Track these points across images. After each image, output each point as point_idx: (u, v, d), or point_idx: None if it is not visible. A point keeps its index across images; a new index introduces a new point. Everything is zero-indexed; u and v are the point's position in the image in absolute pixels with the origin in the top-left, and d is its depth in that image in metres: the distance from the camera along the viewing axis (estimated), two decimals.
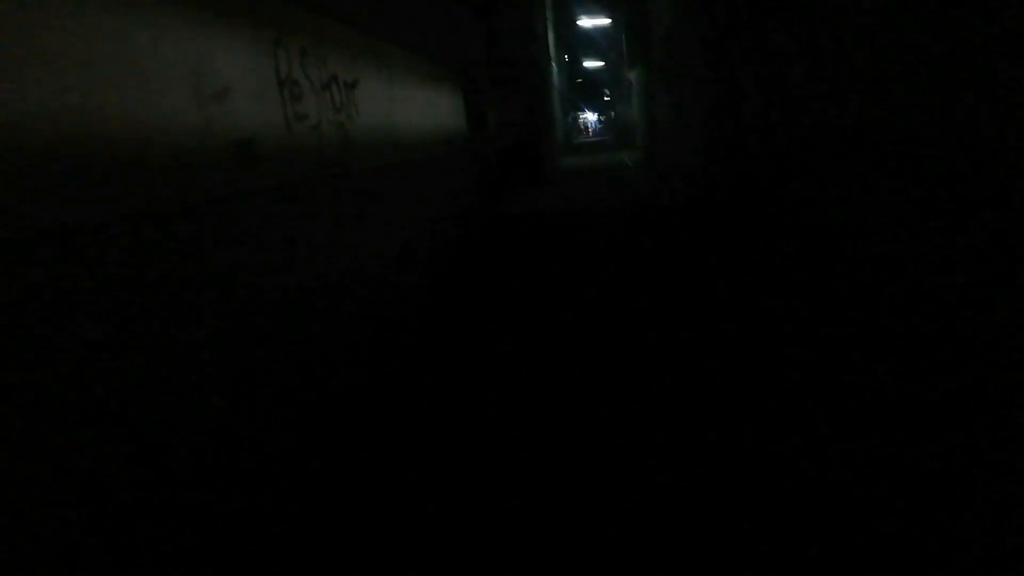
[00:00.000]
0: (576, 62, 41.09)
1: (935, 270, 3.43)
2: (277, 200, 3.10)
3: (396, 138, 5.12)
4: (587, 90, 48.25)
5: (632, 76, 24.31)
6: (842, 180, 4.68)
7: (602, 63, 37.92)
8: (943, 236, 3.29)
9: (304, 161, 3.47)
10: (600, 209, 11.32)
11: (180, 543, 2.05)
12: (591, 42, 35.52)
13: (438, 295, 6.12)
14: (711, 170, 9.85)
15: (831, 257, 5.01)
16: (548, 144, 19.02)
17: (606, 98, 48.77)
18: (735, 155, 8.17)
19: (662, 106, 15.39)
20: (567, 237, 8.84)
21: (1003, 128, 2.69)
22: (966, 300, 3.20)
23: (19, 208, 1.62)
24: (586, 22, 25.99)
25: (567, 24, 31.28)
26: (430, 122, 6.47)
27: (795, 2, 5.35)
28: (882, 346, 3.83)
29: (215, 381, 2.38)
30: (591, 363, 4.15)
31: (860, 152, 4.33)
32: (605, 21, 25.79)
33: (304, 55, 3.66)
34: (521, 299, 5.81)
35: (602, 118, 51.55)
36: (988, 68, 2.78)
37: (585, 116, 51.45)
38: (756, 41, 6.76)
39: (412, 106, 5.72)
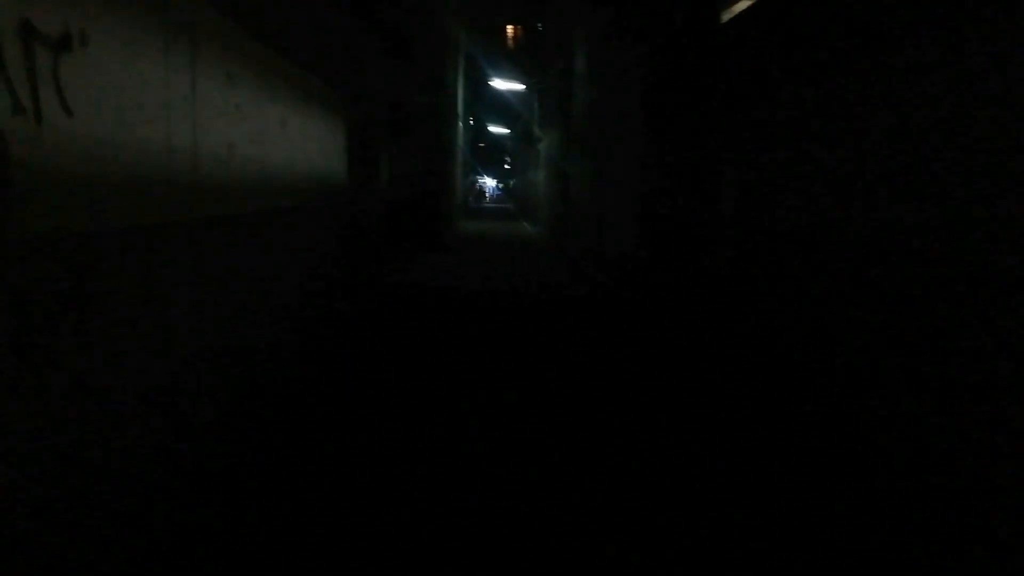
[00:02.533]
0: (480, 124, 40.09)
1: None
2: None
3: (195, 176, 2.84)
4: (489, 154, 47.32)
5: (542, 146, 23.15)
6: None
7: (507, 129, 37.05)
8: None
9: None
10: (508, 294, 9.33)
11: None
12: (498, 106, 34.58)
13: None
14: (650, 266, 8.16)
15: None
16: (447, 205, 17.10)
17: (507, 165, 48.05)
18: (699, 255, 6.46)
19: (579, 183, 13.90)
20: (469, 332, 6.73)
21: None
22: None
23: None
24: (499, 84, 24.74)
25: (476, 83, 30.13)
26: (287, 158, 4.24)
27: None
28: None
29: None
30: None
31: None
32: (518, 86, 24.66)
33: None
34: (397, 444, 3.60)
35: (501, 185, 50.63)
36: None
37: (484, 180, 50.33)
38: (747, 130, 5.12)
39: (248, 126, 3.48)
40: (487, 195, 50.38)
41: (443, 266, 12.09)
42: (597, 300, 8.96)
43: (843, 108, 3.78)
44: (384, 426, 4.04)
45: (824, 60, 4.01)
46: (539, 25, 27.12)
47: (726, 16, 6.09)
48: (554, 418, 4.32)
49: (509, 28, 33.30)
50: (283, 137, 4.12)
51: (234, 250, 3.26)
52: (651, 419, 4.36)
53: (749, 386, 4.98)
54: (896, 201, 3.20)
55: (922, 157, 3.00)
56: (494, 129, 39.30)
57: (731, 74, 5.71)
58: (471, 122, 36.69)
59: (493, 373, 5.34)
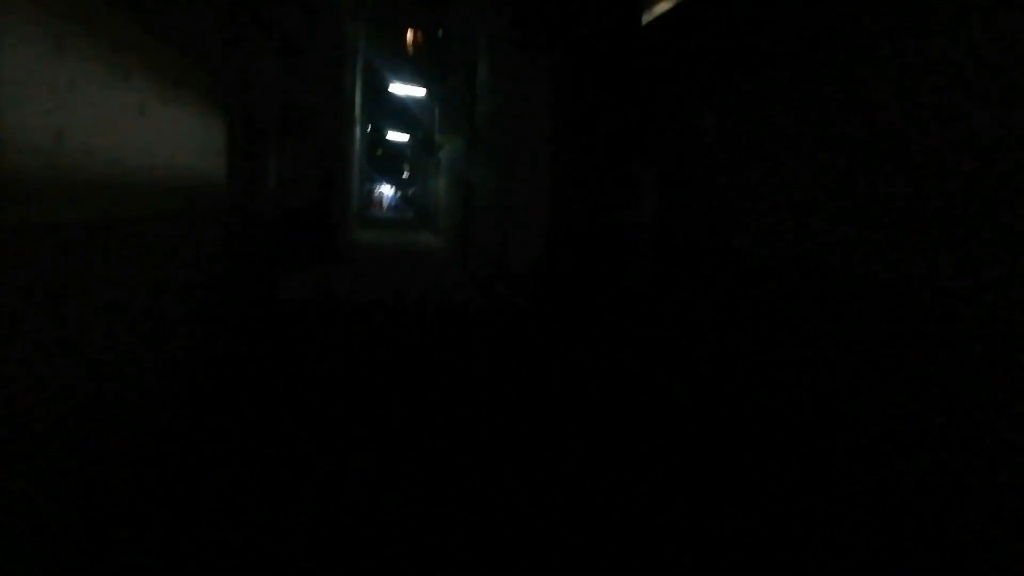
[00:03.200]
0: (379, 130, 39.00)
1: None
2: None
3: None
4: (388, 162, 46.13)
5: (443, 154, 22.58)
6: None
7: (406, 136, 36.19)
8: None
9: None
10: (408, 312, 8.70)
11: None
12: (397, 112, 33.74)
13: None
14: (559, 281, 7.77)
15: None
16: (343, 213, 16.18)
17: (406, 173, 47.06)
18: (614, 270, 6.10)
19: (483, 193, 13.44)
20: (366, 355, 6.06)
21: None
22: None
23: None
24: (398, 89, 23.97)
25: (374, 89, 29.21)
26: (146, 154, 3.48)
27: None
28: None
29: None
30: None
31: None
32: (418, 91, 23.99)
33: None
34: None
35: (400, 193, 49.48)
36: None
37: (382, 189, 48.98)
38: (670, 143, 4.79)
39: (88, 110, 2.72)
40: (385, 204, 49.11)
41: (338, 280, 11.27)
42: (504, 320, 8.49)
43: (772, 115, 3.48)
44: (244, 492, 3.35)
45: (752, 62, 3.71)
46: (439, 32, 26.58)
47: (646, 18, 5.81)
48: (453, 461, 3.76)
49: (408, 33, 32.58)
50: (142, 128, 3.36)
51: (62, 272, 2.51)
52: (556, 458, 3.90)
53: (665, 415, 4.63)
54: (834, 216, 2.89)
55: (866, 166, 2.70)
56: (393, 136, 38.37)
57: (653, 78, 5.40)
58: (369, 128, 35.59)
59: (389, 409, 4.73)
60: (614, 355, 6.06)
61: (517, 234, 10.09)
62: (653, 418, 4.66)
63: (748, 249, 3.75)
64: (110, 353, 2.99)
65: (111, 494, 3.01)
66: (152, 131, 3.54)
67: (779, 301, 3.43)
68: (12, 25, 2.11)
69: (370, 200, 44.93)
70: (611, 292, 6.18)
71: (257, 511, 3.05)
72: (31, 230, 2.26)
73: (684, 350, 4.66)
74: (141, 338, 3.45)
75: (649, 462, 3.85)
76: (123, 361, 3.18)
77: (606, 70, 6.57)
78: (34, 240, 2.27)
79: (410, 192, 45.01)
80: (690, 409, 4.53)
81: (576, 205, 7.30)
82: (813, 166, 3.17)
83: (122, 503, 3.06)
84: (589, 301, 6.76)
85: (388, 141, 41.03)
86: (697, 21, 4.62)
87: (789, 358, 3.34)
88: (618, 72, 6.26)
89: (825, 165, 3.07)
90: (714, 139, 4.25)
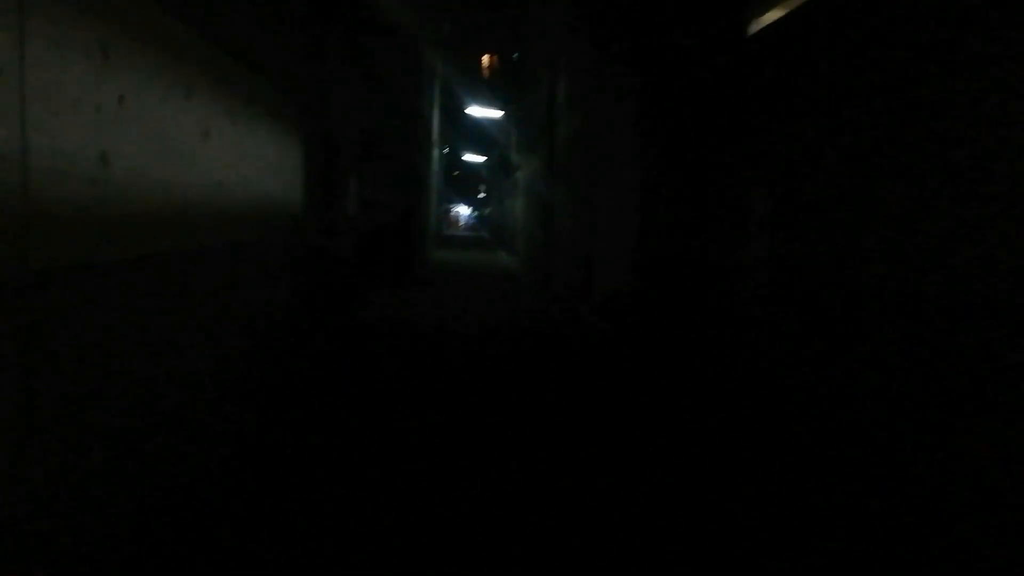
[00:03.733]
0: (455, 151, 39.32)
1: None
2: None
3: (24, 203, 1.73)
4: (464, 182, 46.48)
5: (520, 175, 22.32)
6: None
7: (483, 157, 36.30)
8: None
9: None
10: (495, 338, 8.26)
11: None
12: (474, 133, 33.86)
13: None
14: (652, 307, 7.17)
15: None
16: (421, 234, 16.05)
17: (482, 193, 47.27)
18: (718, 296, 5.47)
19: (563, 214, 12.98)
20: (456, 392, 5.63)
21: None
22: None
23: None
24: (474, 111, 23.94)
25: (451, 111, 29.39)
26: (212, 179, 3.16)
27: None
28: None
29: None
30: None
31: None
32: (495, 113, 23.89)
33: None
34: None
35: (476, 213, 49.71)
36: None
37: (459, 208, 49.36)
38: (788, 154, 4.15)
39: (140, 129, 2.39)
40: (461, 222, 49.41)
41: (418, 303, 10.99)
42: (592, 345, 7.94)
43: (916, 131, 2.82)
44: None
45: (895, 74, 3.07)
46: (515, 55, 26.52)
47: (754, 28, 5.22)
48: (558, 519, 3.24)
49: (485, 57, 32.76)
50: (206, 150, 3.06)
51: (105, 318, 2.17)
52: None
53: (791, 472, 3.95)
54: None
55: None
56: (469, 157, 38.59)
57: (763, 92, 4.80)
58: (446, 149, 35.91)
59: (485, 446, 4.25)
60: (712, 391, 5.43)
61: (602, 258, 9.56)
62: (756, 461, 4.01)
63: (915, 291, 3.11)
64: (166, 397, 2.66)
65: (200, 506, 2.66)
66: (219, 153, 3.23)
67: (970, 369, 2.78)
68: (49, 29, 1.78)
69: (447, 219, 45.21)
70: (713, 325, 5.56)
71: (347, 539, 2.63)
72: (72, 270, 1.92)
73: (805, 400, 4.01)
74: (207, 376, 3.13)
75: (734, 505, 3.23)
76: (186, 400, 2.84)
77: (701, 86, 6.00)
78: (73, 282, 1.93)
79: (486, 212, 45.12)
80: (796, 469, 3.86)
81: (668, 230, 6.72)
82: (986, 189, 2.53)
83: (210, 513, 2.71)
84: (685, 333, 6.15)
85: (465, 161, 41.31)
86: (822, 26, 4.02)
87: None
88: (716, 88, 5.68)
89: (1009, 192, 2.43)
90: (855, 162, 3.62)
